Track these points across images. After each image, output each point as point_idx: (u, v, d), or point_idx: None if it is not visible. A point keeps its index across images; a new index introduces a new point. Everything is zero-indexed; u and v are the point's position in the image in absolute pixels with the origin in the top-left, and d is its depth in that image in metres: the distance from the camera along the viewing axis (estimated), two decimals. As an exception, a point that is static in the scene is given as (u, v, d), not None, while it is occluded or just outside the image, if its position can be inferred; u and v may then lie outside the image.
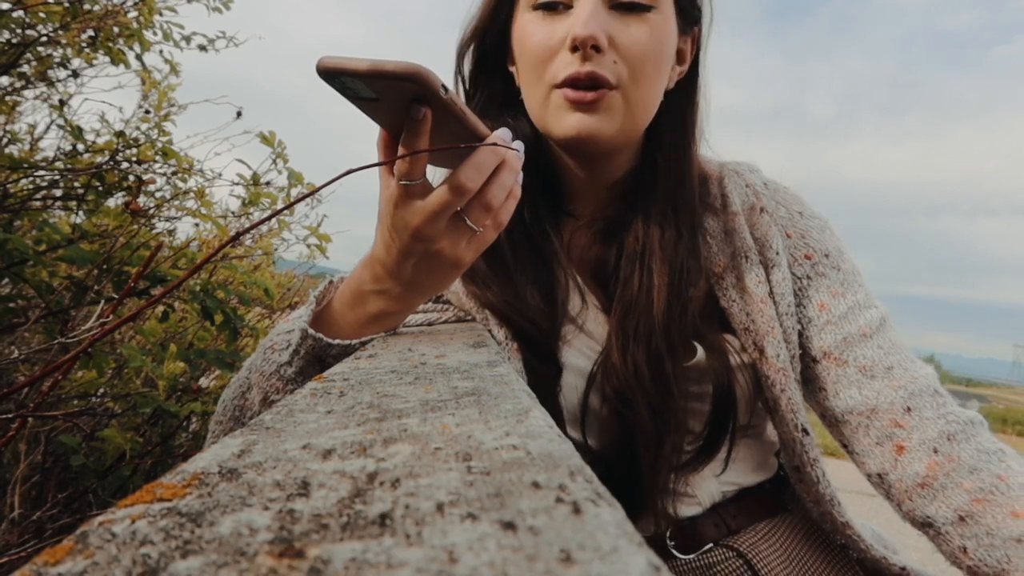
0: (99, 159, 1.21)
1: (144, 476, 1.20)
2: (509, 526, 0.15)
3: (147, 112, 1.37)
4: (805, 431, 0.65)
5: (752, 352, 0.66)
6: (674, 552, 0.66)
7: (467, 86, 0.72)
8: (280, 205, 1.50)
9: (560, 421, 0.65)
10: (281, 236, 1.82)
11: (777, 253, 0.67)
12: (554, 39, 0.61)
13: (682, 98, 0.69)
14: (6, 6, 1.10)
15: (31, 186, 1.19)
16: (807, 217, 0.72)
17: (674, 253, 0.66)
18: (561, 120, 0.61)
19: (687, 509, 0.67)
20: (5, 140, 1.34)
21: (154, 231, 1.39)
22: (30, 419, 0.92)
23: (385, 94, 0.44)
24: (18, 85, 1.25)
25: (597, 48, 0.58)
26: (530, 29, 0.63)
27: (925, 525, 0.61)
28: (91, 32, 1.23)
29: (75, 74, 1.33)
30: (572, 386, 0.66)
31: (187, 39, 1.55)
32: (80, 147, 1.28)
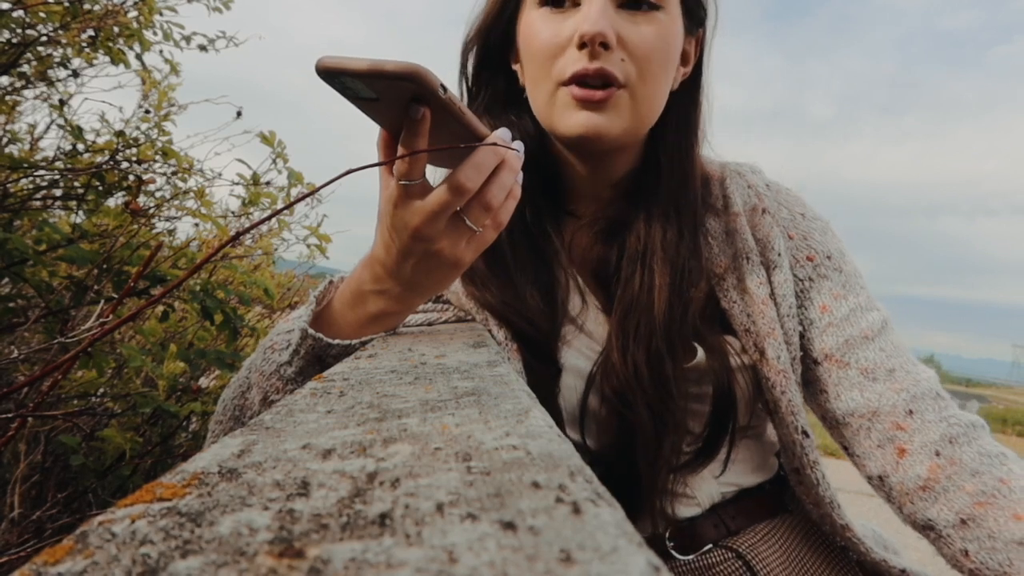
0: (99, 159, 1.21)
1: (144, 476, 1.20)
2: (509, 526, 0.15)
3: (147, 112, 1.37)
4: (805, 433, 0.65)
5: (753, 354, 0.66)
6: (673, 553, 0.66)
7: (470, 84, 0.72)
8: (280, 205, 1.50)
9: (559, 422, 0.65)
10: (281, 236, 1.82)
11: (779, 254, 0.67)
12: (561, 36, 0.61)
13: (685, 99, 0.68)
14: (6, 6, 1.10)
15: (31, 186, 1.19)
16: (809, 219, 0.71)
17: (676, 254, 0.65)
18: (568, 118, 0.61)
19: (686, 510, 0.67)
20: (5, 140, 1.34)
21: (154, 231, 1.39)
22: (30, 419, 0.92)
23: (385, 94, 0.44)
24: (18, 85, 1.25)
25: (605, 45, 0.58)
26: (537, 26, 0.63)
27: (926, 528, 0.60)
28: (91, 32, 1.23)
29: (75, 74, 1.33)
30: (571, 387, 0.65)
31: (187, 39, 1.55)
32: (80, 147, 1.27)
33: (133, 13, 1.31)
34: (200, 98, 1.54)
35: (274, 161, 1.47)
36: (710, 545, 0.65)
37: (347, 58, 0.42)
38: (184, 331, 1.36)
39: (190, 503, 0.18)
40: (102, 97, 1.41)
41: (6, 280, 1.12)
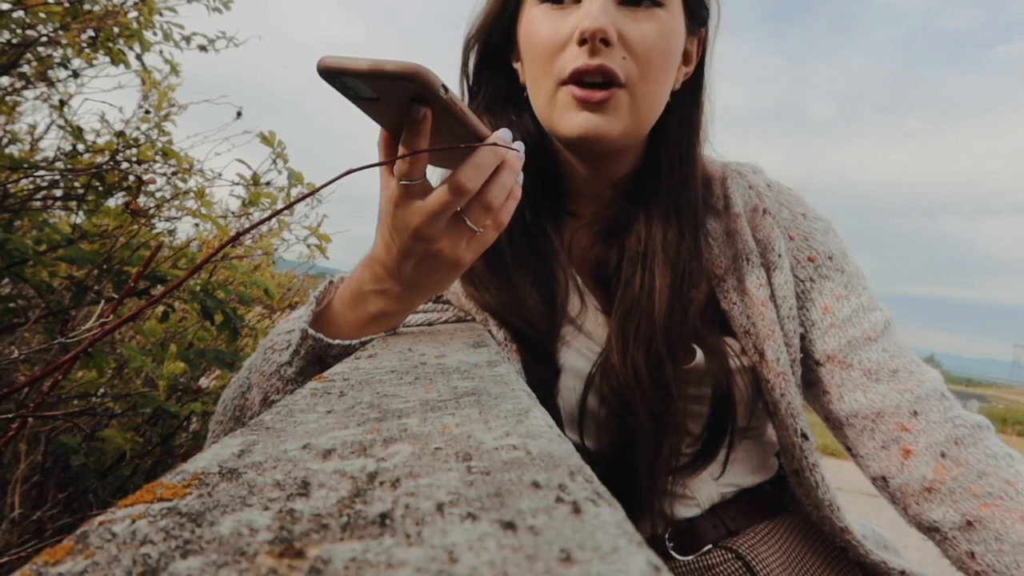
0: (99, 159, 1.21)
1: (144, 476, 1.20)
2: (509, 526, 0.15)
3: (147, 112, 1.37)
4: (804, 436, 0.65)
5: (752, 355, 0.66)
6: (673, 553, 0.66)
7: (471, 82, 0.72)
8: (280, 205, 1.50)
9: (558, 423, 0.65)
10: (281, 236, 1.82)
11: (779, 255, 0.67)
12: (562, 33, 0.60)
13: (687, 99, 0.68)
14: (6, 6, 1.10)
15: (31, 186, 1.19)
16: (810, 219, 0.71)
17: (676, 255, 0.65)
18: (568, 118, 0.61)
19: (686, 510, 0.67)
20: (5, 140, 1.34)
21: (154, 231, 1.39)
22: (30, 419, 0.92)
23: (385, 94, 0.44)
24: (18, 85, 1.25)
25: (606, 42, 0.57)
26: (538, 23, 0.62)
27: (931, 530, 0.60)
28: (91, 32, 1.23)
29: (75, 74, 1.33)
30: (570, 388, 0.65)
31: (187, 39, 1.55)
32: (80, 147, 1.28)
33: (133, 13, 1.31)
34: (200, 98, 1.55)
35: (274, 161, 1.47)
36: (710, 546, 0.65)
37: (348, 58, 0.42)
38: (184, 331, 1.36)
39: (190, 503, 0.18)
40: (102, 97, 1.41)
41: (6, 280, 1.12)
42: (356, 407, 0.29)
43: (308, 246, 1.81)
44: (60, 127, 1.33)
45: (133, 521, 0.16)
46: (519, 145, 0.52)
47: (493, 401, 0.29)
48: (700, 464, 0.65)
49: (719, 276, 0.67)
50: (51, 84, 1.31)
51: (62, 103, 1.33)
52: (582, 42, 0.58)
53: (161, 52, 1.48)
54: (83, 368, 1.08)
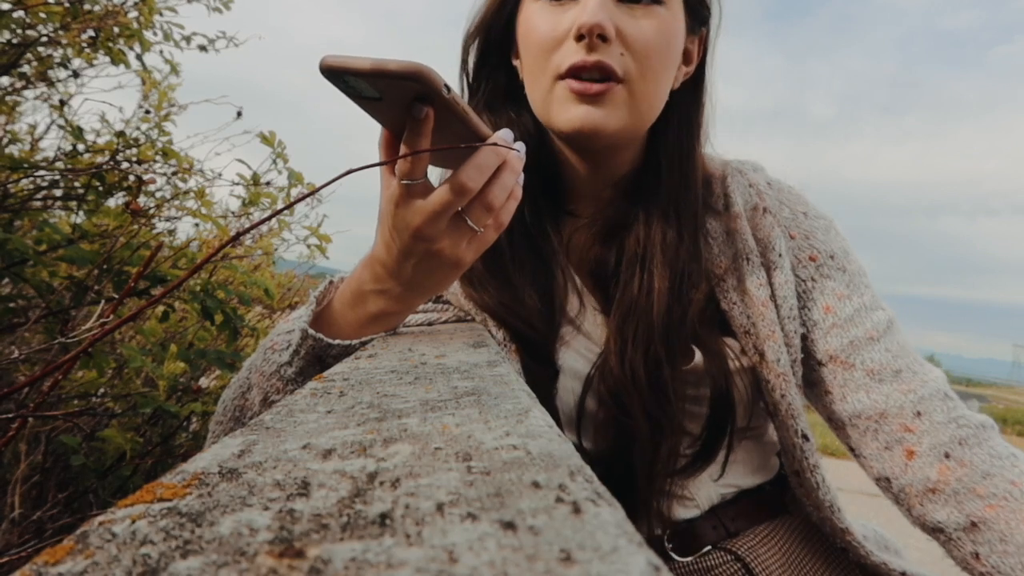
0: (99, 159, 1.21)
1: (144, 476, 1.20)
2: (509, 526, 0.15)
3: (147, 112, 1.37)
4: (805, 437, 0.65)
5: (752, 356, 0.65)
6: (672, 554, 0.65)
7: (471, 79, 0.71)
8: (280, 205, 1.50)
9: (557, 424, 0.64)
10: (281, 236, 1.82)
11: (780, 255, 0.66)
12: (559, 29, 0.60)
13: (688, 98, 0.68)
14: (6, 6, 1.10)
15: (31, 186, 1.19)
16: (811, 217, 0.70)
17: (675, 256, 0.65)
18: (565, 112, 0.60)
19: (685, 511, 0.66)
20: (5, 140, 1.34)
21: (154, 231, 1.39)
22: (30, 419, 0.92)
23: (388, 93, 0.44)
24: (18, 85, 1.25)
25: (604, 37, 0.57)
26: (535, 19, 0.62)
27: (935, 530, 0.60)
28: (91, 32, 1.23)
29: (75, 74, 1.33)
30: (569, 389, 0.65)
31: (187, 39, 1.55)
32: (80, 147, 1.28)
33: (133, 13, 1.31)
34: (200, 98, 1.55)
35: (274, 161, 1.47)
36: (709, 547, 0.65)
37: (351, 57, 0.42)
38: (184, 331, 1.36)
39: (190, 503, 0.18)
40: (102, 97, 1.41)
41: (6, 280, 1.12)
42: (356, 407, 0.29)
43: (308, 246, 1.81)
44: (60, 127, 1.34)
45: (133, 521, 0.16)
46: (520, 145, 0.52)
47: (493, 401, 0.29)
48: (699, 465, 0.65)
49: (719, 276, 0.67)
50: (51, 84, 1.31)
51: (62, 103, 1.33)
52: (579, 38, 0.58)
53: (161, 52, 1.48)
54: (83, 368, 1.08)
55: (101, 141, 1.33)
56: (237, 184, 1.47)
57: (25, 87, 1.26)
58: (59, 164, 1.25)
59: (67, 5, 1.17)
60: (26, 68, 1.23)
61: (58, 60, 1.26)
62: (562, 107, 0.60)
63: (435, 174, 0.58)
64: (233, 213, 1.53)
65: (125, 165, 1.22)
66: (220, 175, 1.45)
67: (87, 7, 1.20)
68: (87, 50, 1.26)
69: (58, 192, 1.24)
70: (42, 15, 1.15)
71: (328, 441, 0.23)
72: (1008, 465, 0.58)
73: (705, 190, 0.70)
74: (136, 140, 1.30)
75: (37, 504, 1.07)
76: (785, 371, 0.64)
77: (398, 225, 0.50)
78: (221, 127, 1.57)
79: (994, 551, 0.55)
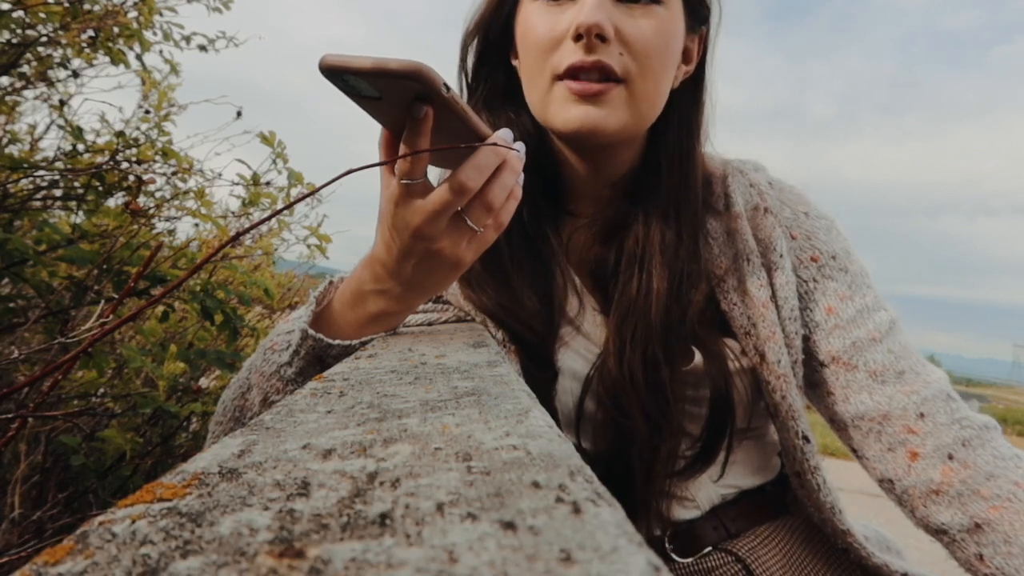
0: (99, 159, 1.21)
1: (144, 476, 1.20)
2: (509, 526, 0.15)
3: (147, 112, 1.37)
4: (806, 438, 0.64)
5: (753, 357, 0.65)
6: (672, 555, 0.65)
7: (470, 80, 0.71)
8: (280, 205, 1.50)
9: (556, 425, 0.64)
10: (281, 236, 1.82)
11: (780, 255, 0.66)
12: (558, 29, 0.60)
13: (688, 97, 0.67)
14: (6, 6, 1.10)
15: (31, 186, 1.19)
16: (813, 217, 0.70)
17: (674, 257, 0.64)
18: (564, 112, 0.60)
19: (685, 512, 0.66)
20: (5, 140, 1.34)
21: (154, 231, 1.39)
22: (30, 419, 0.92)
23: (387, 92, 0.44)
24: (18, 85, 1.25)
25: (602, 37, 0.57)
26: (534, 19, 0.62)
27: (939, 532, 0.60)
28: (91, 32, 1.23)
29: (75, 74, 1.33)
30: (568, 390, 0.65)
31: (187, 39, 1.55)
32: (80, 147, 1.28)
33: (133, 13, 1.31)
34: (200, 98, 1.55)
35: (274, 161, 1.47)
36: (709, 548, 0.65)
37: (351, 56, 0.42)
38: (184, 331, 1.36)
39: (190, 503, 0.18)
40: (102, 97, 1.41)
41: (6, 280, 1.12)
42: (356, 407, 0.29)
43: (308, 246, 1.81)
44: (60, 127, 1.34)
45: (133, 521, 0.16)
46: (520, 145, 0.52)
47: (493, 401, 0.29)
48: (699, 467, 0.65)
49: (719, 277, 0.67)
50: (51, 84, 1.31)
51: (62, 103, 1.33)
52: (577, 38, 0.58)
53: (161, 52, 1.48)
54: (83, 368, 1.08)
55: (101, 141, 1.33)
56: (237, 184, 1.47)
57: (25, 87, 1.26)
58: (59, 164, 1.25)
59: (67, 5, 1.17)
60: (26, 68, 1.23)
61: (58, 60, 1.26)
62: (561, 107, 0.60)
63: (435, 174, 0.58)
64: (233, 213, 1.53)
65: (125, 165, 1.22)
66: (220, 175, 1.45)
67: (87, 7, 1.20)
68: (87, 50, 1.27)
69: (58, 192, 1.24)
70: (42, 15, 1.15)
71: (328, 441, 0.23)
72: (1012, 466, 0.58)
73: (705, 190, 0.70)
74: (136, 140, 1.30)
75: (37, 504, 1.07)
76: (786, 372, 0.63)
77: (398, 225, 0.50)
78: (221, 127, 1.57)
79: (998, 552, 0.55)
